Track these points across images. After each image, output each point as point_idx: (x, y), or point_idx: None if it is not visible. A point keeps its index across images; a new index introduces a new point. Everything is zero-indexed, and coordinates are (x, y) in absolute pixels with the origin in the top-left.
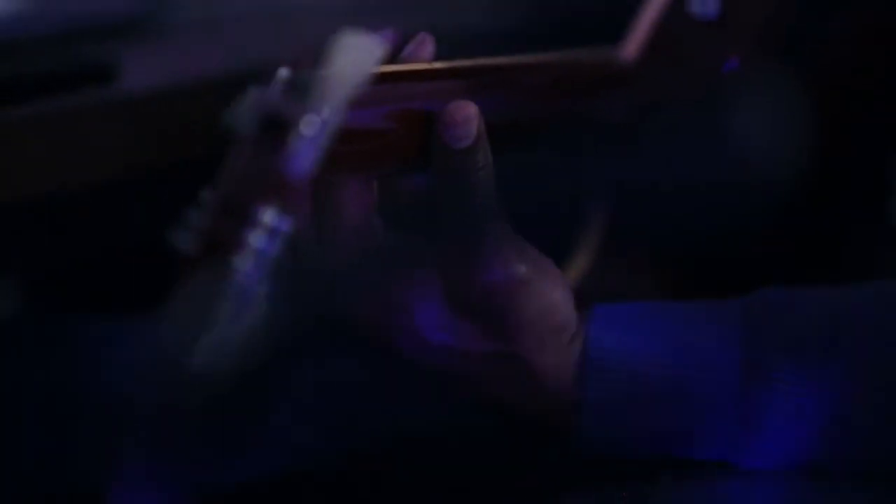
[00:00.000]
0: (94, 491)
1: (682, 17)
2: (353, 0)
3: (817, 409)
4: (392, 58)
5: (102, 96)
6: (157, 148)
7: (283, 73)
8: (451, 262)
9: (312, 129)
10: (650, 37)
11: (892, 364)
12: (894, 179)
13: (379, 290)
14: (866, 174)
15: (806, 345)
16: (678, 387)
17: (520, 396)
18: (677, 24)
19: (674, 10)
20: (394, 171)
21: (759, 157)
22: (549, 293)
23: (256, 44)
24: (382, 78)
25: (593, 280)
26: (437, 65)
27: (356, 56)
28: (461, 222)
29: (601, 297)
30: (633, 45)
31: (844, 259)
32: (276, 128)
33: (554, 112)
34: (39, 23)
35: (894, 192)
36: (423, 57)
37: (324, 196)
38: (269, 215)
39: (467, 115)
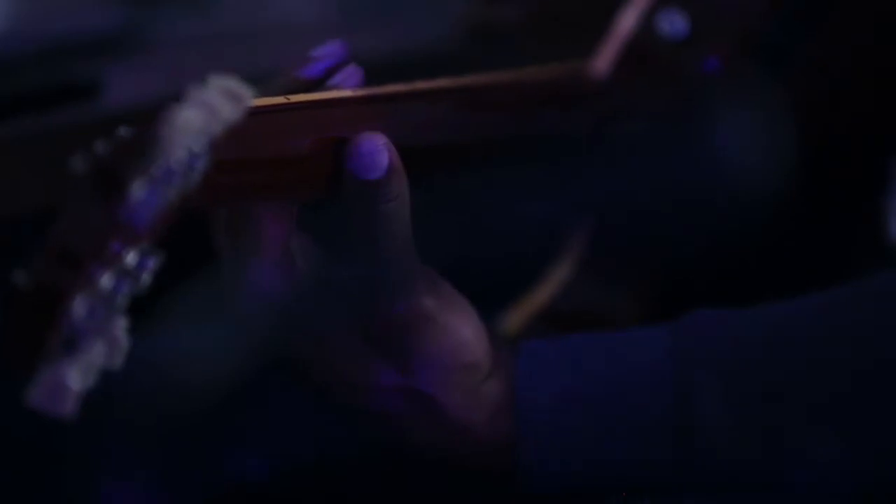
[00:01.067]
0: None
1: (651, 36)
2: (333, 16)
3: (752, 432)
4: (319, 83)
5: (85, 113)
6: None
7: (123, 130)
8: (358, 293)
9: (152, 180)
10: (620, 54)
11: (821, 381)
12: (880, 188)
13: (299, 321)
14: (850, 182)
15: (737, 368)
16: (612, 422)
17: (430, 435)
18: (647, 41)
19: (643, 29)
20: (307, 199)
21: (739, 168)
22: (458, 330)
23: (237, 60)
24: (294, 108)
25: (572, 295)
26: (361, 91)
27: (215, 101)
28: (369, 253)
29: (581, 313)
30: (602, 61)
31: (826, 269)
32: (114, 175)
33: (526, 128)
34: (21, 40)
35: (881, 203)
36: (348, 87)
37: (239, 227)
38: (127, 255)
39: (374, 146)
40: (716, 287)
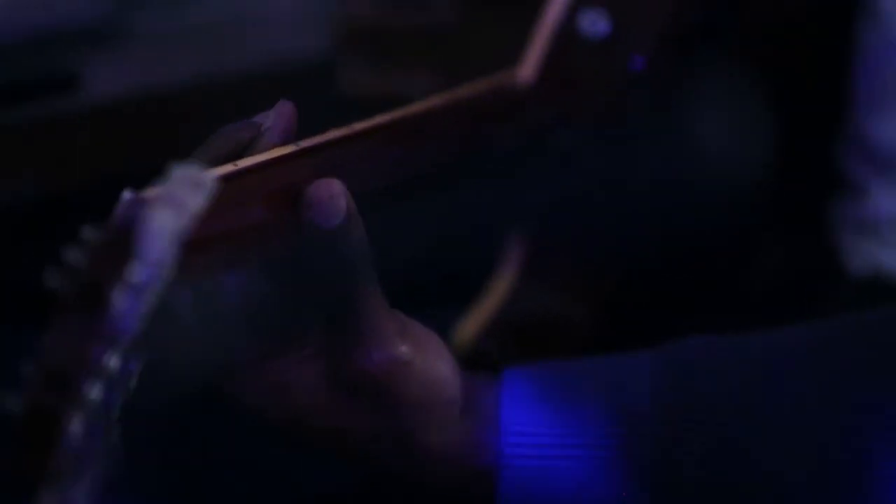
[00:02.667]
0: None
1: (574, 38)
2: (313, 10)
3: (731, 466)
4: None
5: (65, 104)
6: (119, 155)
7: (88, 233)
8: (329, 344)
9: (132, 287)
10: (545, 58)
11: (803, 418)
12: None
13: (258, 365)
14: (797, 182)
15: (719, 404)
16: (591, 461)
17: (409, 469)
18: (570, 44)
19: (565, 31)
20: (270, 254)
21: (683, 168)
22: (434, 369)
23: (218, 52)
24: (243, 175)
25: (520, 303)
26: (305, 143)
27: (182, 195)
28: (337, 303)
29: (530, 319)
30: (528, 67)
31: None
32: (93, 287)
33: (465, 147)
34: (2, 32)
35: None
36: (282, 129)
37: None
38: (111, 362)
39: (332, 192)
40: (660, 289)
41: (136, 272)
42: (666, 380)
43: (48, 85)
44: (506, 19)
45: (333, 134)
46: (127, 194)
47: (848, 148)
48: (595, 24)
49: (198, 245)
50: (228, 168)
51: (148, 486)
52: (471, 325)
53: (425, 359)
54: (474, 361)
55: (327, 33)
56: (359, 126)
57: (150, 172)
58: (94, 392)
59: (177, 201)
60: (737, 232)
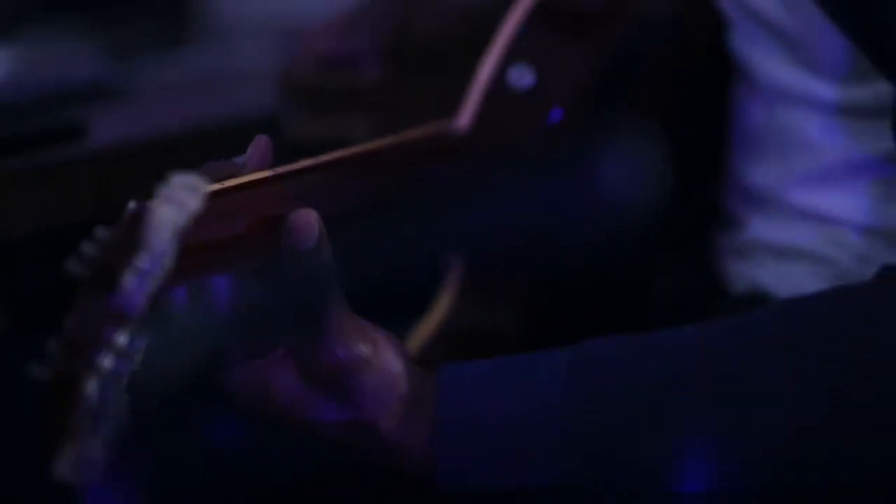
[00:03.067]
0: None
1: (503, 89)
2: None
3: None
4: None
5: (74, 151)
6: (122, 197)
7: (101, 231)
8: (298, 343)
9: (139, 272)
10: (479, 107)
11: (714, 413)
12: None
13: (242, 356)
14: (687, 214)
15: (629, 398)
16: (520, 440)
17: (375, 457)
18: (500, 95)
19: (496, 84)
20: (250, 267)
21: (600, 197)
22: (389, 367)
23: (208, 104)
24: (228, 192)
25: (459, 317)
26: (278, 170)
27: (181, 196)
28: (305, 310)
29: (469, 332)
30: (465, 116)
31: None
32: (107, 272)
33: (404, 182)
34: (18, 89)
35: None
36: (259, 158)
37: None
38: (120, 339)
39: (309, 221)
40: (577, 305)
41: (143, 259)
42: (577, 369)
43: (58, 134)
44: (435, 77)
45: (303, 163)
46: (132, 203)
47: (728, 187)
48: (522, 77)
49: (191, 249)
50: (217, 186)
51: (139, 469)
52: (416, 339)
53: (382, 357)
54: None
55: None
56: (324, 157)
57: None
58: (107, 362)
59: (177, 200)
60: (639, 257)
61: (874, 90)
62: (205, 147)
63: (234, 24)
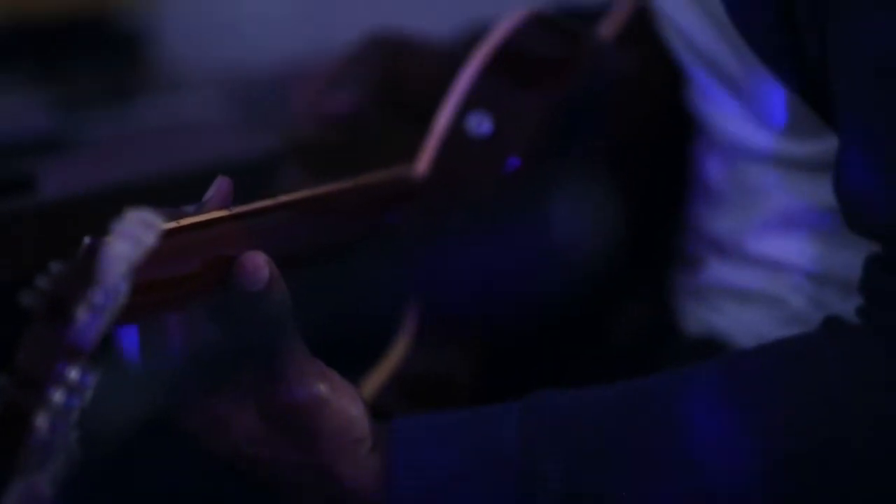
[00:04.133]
0: None
1: (462, 136)
2: (236, 118)
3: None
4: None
5: (23, 202)
6: (70, 247)
7: (56, 266)
8: (256, 383)
9: (92, 306)
10: (437, 153)
11: (662, 462)
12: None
13: (199, 395)
14: (643, 257)
15: (576, 450)
16: (471, 494)
17: (328, 500)
18: (459, 141)
19: (455, 131)
20: (198, 305)
21: (555, 244)
22: (347, 410)
23: (156, 156)
24: (183, 230)
25: (415, 362)
26: (235, 210)
27: (136, 232)
28: (262, 350)
29: (424, 375)
30: (423, 162)
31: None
32: (60, 306)
33: (362, 226)
34: None
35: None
36: (220, 200)
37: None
38: (71, 373)
39: (257, 264)
40: (537, 347)
41: (97, 294)
42: (526, 424)
43: (8, 186)
44: (426, 125)
45: (260, 203)
46: (87, 239)
47: (686, 232)
48: (480, 124)
49: (145, 286)
50: (172, 223)
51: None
52: (371, 383)
53: (340, 400)
54: (375, 414)
55: (263, 142)
56: (281, 198)
57: None
58: (58, 396)
59: (132, 236)
60: (594, 303)
61: (821, 144)
62: (155, 197)
63: (183, 75)
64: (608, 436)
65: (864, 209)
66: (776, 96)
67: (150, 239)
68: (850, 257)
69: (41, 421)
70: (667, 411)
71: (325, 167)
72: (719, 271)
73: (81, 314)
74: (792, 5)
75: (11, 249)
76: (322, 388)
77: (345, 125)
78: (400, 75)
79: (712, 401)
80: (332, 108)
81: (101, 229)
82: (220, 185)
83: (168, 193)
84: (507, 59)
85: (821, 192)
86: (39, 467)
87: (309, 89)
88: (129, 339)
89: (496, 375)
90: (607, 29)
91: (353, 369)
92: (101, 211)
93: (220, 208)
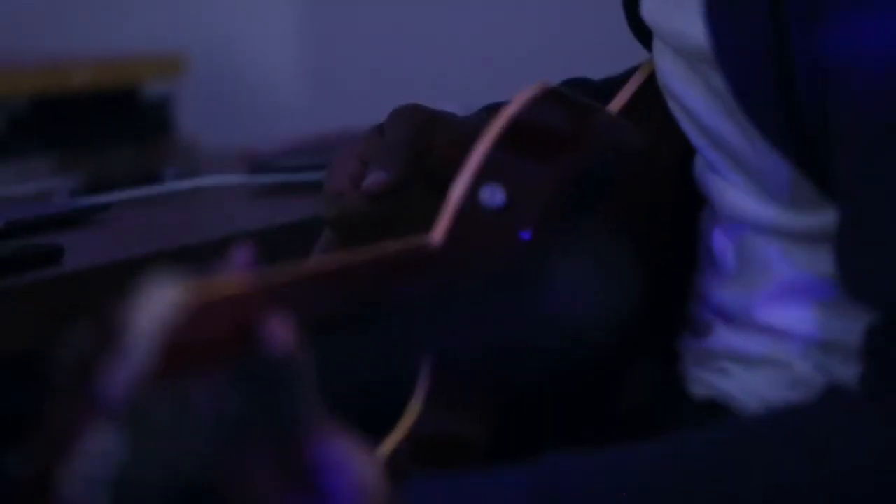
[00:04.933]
0: None
1: (476, 206)
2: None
3: None
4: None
5: (50, 273)
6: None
7: (81, 332)
8: (273, 441)
9: (117, 374)
10: (452, 224)
11: None
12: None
13: (223, 455)
14: (658, 322)
15: None
16: None
17: None
18: (473, 212)
19: (470, 201)
20: (222, 372)
21: (566, 311)
22: (362, 470)
23: (177, 227)
24: (207, 299)
25: (428, 423)
26: (259, 279)
27: (159, 300)
28: (283, 414)
29: (438, 437)
30: (438, 232)
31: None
32: (86, 373)
33: (379, 293)
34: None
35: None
36: (241, 264)
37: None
38: (97, 441)
39: (283, 332)
40: (548, 410)
41: (121, 362)
42: (536, 488)
43: (35, 258)
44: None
45: (282, 271)
46: (112, 306)
47: (694, 300)
48: (493, 196)
49: (169, 353)
50: (196, 293)
51: None
52: (387, 444)
53: (355, 461)
54: (390, 474)
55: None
56: (302, 266)
57: None
58: (84, 465)
59: (157, 305)
60: (606, 366)
61: (823, 217)
62: (179, 267)
63: (206, 151)
64: (617, 500)
65: (864, 280)
66: (779, 171)
67: (174, 308)
68: (854, 324)
69: (69, 488)
70: (675, 481)
71: (367, 241)
72: (726, 338)
73: (106, 383)
74: (793, 83)
75: (38, 319)
76: (337, 448)
77: (389, 199)
78: (432, 146)
79: (716, 471)
80: (372, 185)
81: (126, 298)
82: (241, 253)
83: (191, 263)
84: (520, 133)
85: (823, 263)
86: None
87: (345, 166)
88: (152, 404)
89: (508, 436)
90: (618, 102)
91: (373, 433)
92: (126, 280)
93: (243, 276)
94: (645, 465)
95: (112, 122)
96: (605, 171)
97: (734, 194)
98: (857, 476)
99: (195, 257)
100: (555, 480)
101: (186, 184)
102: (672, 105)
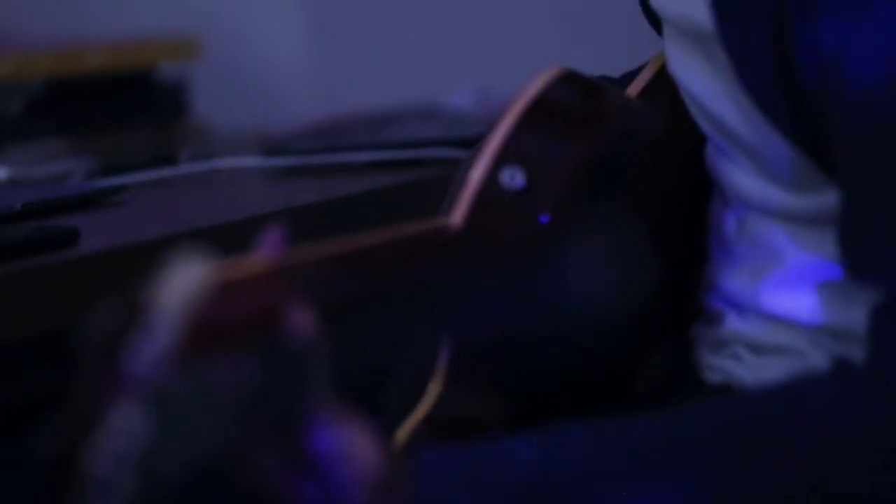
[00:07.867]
0: None
1: (496, 188)
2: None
3: None
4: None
5: (65, 257)
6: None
7: (107, 311)
8: (284, 425)
9: (143, 353)
10: (471, 206)
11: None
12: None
13: (239, 436)
14: (672, 309)
15: (595, 480)
16: None
17: None
18: (492, 194)
19: (489, 183)
20: (244, 354)
21: (584, 293)
22: (370, 454)
23: (192, 209)
24: (232, 280)
25: (446, 406)
26: (281, 262)
27: (182, 283)
28: (298, 397)
29: (456, 419)
30: (458, 214)
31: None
32: (113, 352)
33: (398, 275)
34: (15, 200)
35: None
36: (272, 244)
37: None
38: (124, 417)
39: (302, 321)
40: (564, 394)
41: (147, 341)
42: (545, 452)
43: (51, 240)
44: None
45: (304, 255)
46: (138, 285)
47: (706, 285)
48: (513, 178)
49: (195, 333)
50: (221, 273)
51: None
52: (406, 427)
53: (363, 446)
54: (408, 457)
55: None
56: (324, 249)
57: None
58: (111, 442)
59: (182, 285)
60: (622, 351)
61: (827, 199)
62: (200, 248)
63: (220, 133)
64: (628, 461)
65: (866, 260)
66: (781, 152)
67: (201, 285)
68: (863, 312)
69: (96, 465)
70: (682, 448)
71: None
72: (738, 325)
73: (133, 358)
74: (793, 65)
75: (54, 301)
76: (346, 434)
77: None
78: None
79: (718, 437)
80: None
81: (148, 279)
82: (272, 233)
83: (206, 245)
84: (540, 115)
85: (830, 247)
86: None
87: None
88: (177, 383)
89: (525, 420)
90: (633, 89)
91: (390, 417)
92: (142, 262)
93: (267, 256)
94: (655, 430)
95: (127, 104)
96: (624, 154)
97: (740, 177)
98: (855, 446)
99: (210, 239)
100: (561, 442)
101: (201, 166)
102: (682, 92)
